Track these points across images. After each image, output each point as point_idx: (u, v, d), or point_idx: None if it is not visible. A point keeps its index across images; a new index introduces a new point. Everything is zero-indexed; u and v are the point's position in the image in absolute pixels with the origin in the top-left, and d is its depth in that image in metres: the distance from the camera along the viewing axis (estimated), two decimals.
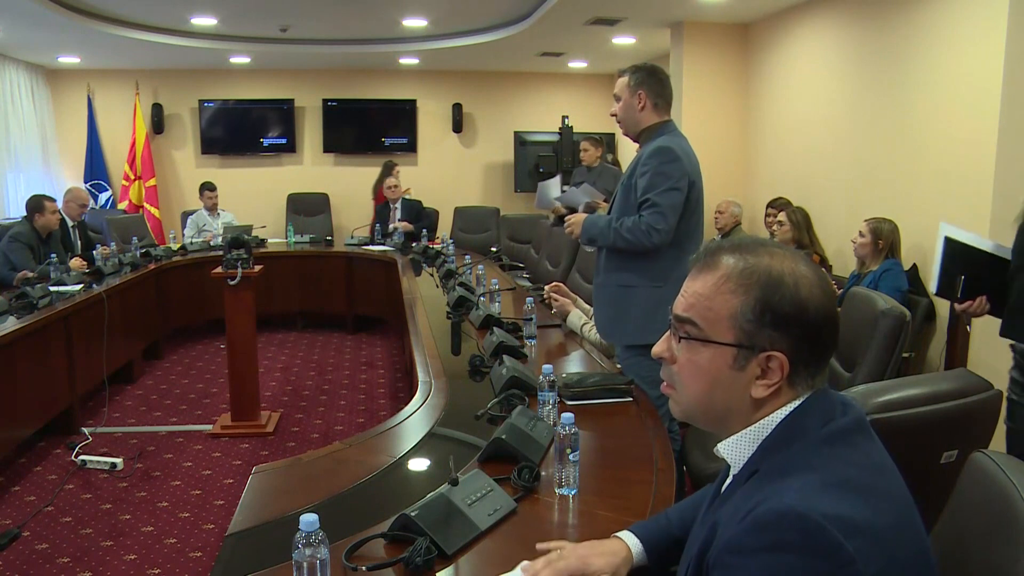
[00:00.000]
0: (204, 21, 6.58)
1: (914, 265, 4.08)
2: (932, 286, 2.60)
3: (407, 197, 7.31)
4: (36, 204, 5.25)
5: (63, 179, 8.17)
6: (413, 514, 1.42)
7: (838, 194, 5.01)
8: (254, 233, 6.05)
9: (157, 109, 8.57)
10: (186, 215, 7.67)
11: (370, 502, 1.67)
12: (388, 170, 7.50)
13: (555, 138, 8.73)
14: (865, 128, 4.74)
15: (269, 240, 6.98)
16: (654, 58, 7.23)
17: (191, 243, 6.81)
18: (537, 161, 8.72)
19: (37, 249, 5.21)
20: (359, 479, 1.75)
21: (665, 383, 1.12)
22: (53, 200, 5.39)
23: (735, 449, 1.06)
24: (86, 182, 8.22)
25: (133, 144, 8.36)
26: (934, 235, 2.53)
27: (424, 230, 6.68)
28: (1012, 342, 2.31)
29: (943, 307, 3.80)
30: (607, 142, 7.58)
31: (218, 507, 3.38)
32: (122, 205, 8.31)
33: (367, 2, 6.08)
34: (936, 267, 2.50)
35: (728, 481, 1.08)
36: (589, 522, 1.55)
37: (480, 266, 4.51)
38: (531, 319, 3.04)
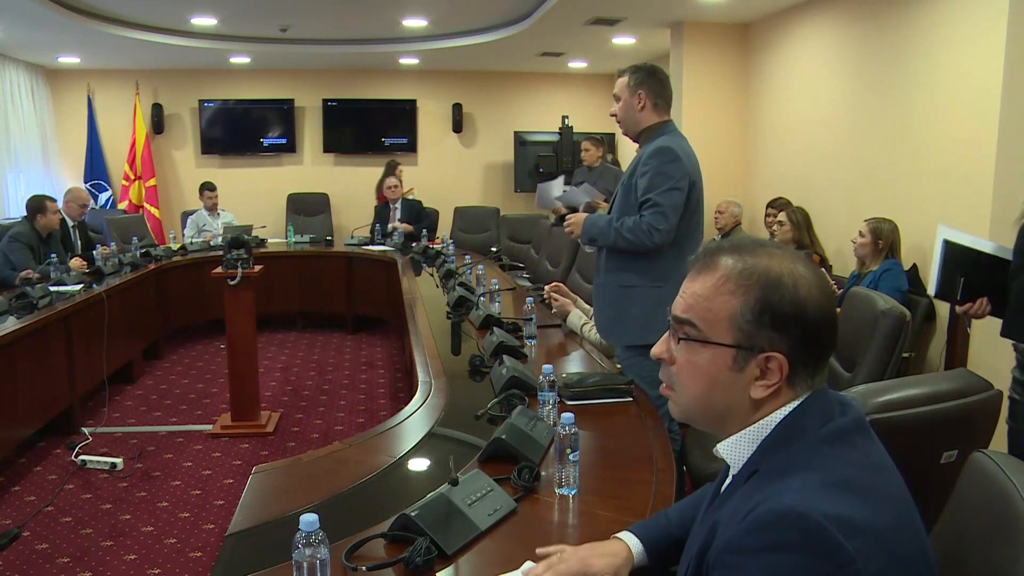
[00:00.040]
0: (204, 21, 6.58)
1: (914, 265, 4.08)
2: (931, 289, 2.60)
3: (409, 197, 7.31)
4: (38, 204, 5.25)
5: (63, 179, 8.17)
6: (413, 514, 1.42)
7: (838, 194, 5.00)
8: (254, 233, 6.05)
9: (157, 109, 8.57)
10: (186, 215, 7.67)
11: (370, 502, 1.67)
12: (391, 170, 7.47)
13: (555, 138, 8.73)
14: (865, 128, 4.74)
15: (269, 240, 6.98)
16: (654, 58, 7.23)
17: (191, 243, 6.81)
18: (537, 161, 8.72)
19: (37, 249, 5.21)
20: (359, 479, 1.75)
21: (664, 384, 1.12)
22: (54, 200, 5.40)
23: (735, 449, 1.06)
24: (86, 182, 8.22)
25: (133, 144, 8.36)
26: (934, 235, 2.53)
27: (424, 230, 6.68)
28: (1014, 342, 2.31)
29: (943, 307, 3.79)
30: (607, 142, 7.57)
31: (218, 507, 3.38)
32: (122, 205, 8.31)
33: (367, 2, 6.08)
34: (935, 269, 2.50)
35: (728, 481, 1.08)
36: (589, 522, 1.55)
37: (480, 266, 4.51)
38: (531, 319, 3.04)
